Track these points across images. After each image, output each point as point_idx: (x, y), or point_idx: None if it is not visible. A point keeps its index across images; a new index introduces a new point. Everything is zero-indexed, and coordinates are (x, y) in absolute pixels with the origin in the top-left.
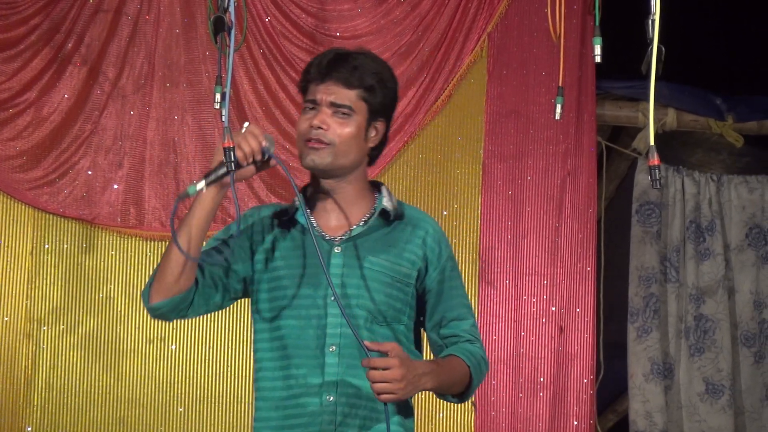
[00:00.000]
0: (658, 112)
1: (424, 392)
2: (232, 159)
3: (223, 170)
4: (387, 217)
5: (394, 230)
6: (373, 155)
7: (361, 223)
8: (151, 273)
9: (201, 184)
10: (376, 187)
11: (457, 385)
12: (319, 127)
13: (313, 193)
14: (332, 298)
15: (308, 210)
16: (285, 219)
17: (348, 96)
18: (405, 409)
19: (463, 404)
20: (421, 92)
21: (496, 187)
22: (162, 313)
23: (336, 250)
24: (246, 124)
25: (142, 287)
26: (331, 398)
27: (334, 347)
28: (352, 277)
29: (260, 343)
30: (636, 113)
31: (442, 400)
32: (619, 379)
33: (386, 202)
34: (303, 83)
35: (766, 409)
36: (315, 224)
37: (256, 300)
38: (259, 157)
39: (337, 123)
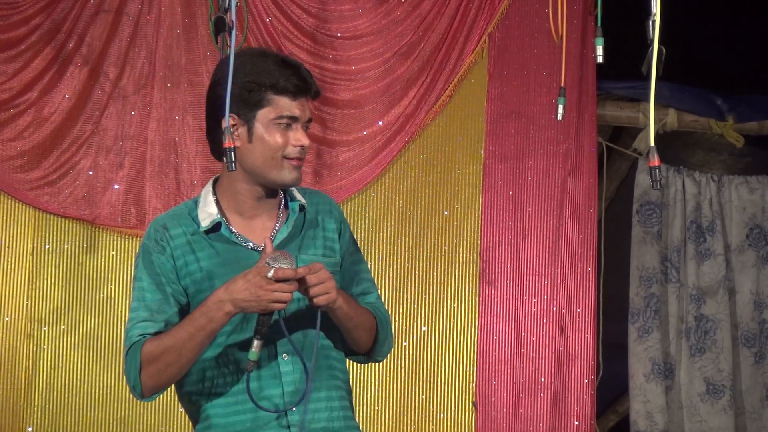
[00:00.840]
0: (658, 113)
1: (422, 391)
2: (233, 160)
3: (267, 320)
4: (301, 210)
5: (309, 221)
6: None
7: (282, 225)
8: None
9: (257, 345)
10: None
11: (364, 330)
12: (306, 146)
13: (232, 199)
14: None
15: (226, 219)
16: (203, 232)
17: (311, 108)
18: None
19: (460, 403)
20: (421, 92)
21: (496, 187)
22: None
23: None
24: (271, 271)
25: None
26: (294, 408)
27: (285, 355)
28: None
29: (205, 362)
30: (637, 113)
31: (439, 398)
32: (620, 379)
33: (299, 197)
34: (260, 93)
35: (767, 409)
36: (242, 237)
37: None
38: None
39: (306, 138)
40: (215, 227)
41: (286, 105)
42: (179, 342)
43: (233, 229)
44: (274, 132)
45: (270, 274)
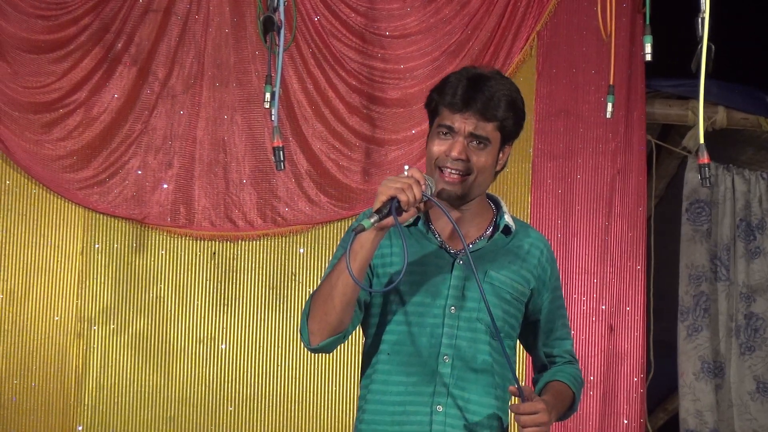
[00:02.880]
0: (708, 110)
1: None
2: (281, 159)
3: (387, 211)
4: (507, 233)
5: (512, 247)
6: (497, 174)
7: (484, 238)
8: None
9: (375, 219)
10: (492, 200)
11: (564, 411)
12: (459, 158)
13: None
14: (452, 308)
15: (430, 222)
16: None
17: (486, 128)
18: None
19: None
20: None
21: (545, 185)
22: (324, 350)
23: (458, 263)
24: (406, 168)
25: (194, 288)
26: (441, 408)
27: (447, 357)
28: (472, 291)
29: (372, 343)
30: (686, 111)
31: None
32: (670, 377)
33: (508, 219)
34: (434, 103)
35: None
36: (439, 236)
37: (370, 303)
38: (421, 205)
39: (474, 153)
40: (414, 221)
41: (446, 116)
42: (332, 273)
43: (431, 225)
44: (433, 139)
45: (405, 168)
